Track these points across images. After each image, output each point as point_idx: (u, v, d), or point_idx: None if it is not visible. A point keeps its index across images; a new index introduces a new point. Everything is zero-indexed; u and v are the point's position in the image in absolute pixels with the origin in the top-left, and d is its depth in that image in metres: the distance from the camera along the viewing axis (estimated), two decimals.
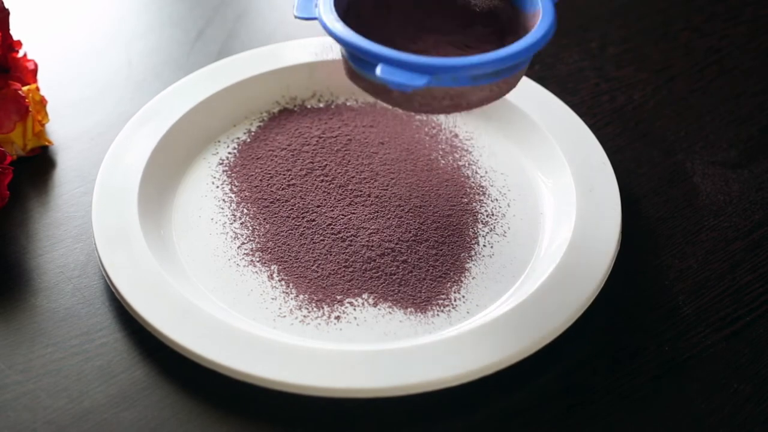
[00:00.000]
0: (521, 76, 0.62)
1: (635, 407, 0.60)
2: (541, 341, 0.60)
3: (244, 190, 0.70)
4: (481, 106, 0.61)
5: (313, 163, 0.71)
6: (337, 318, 0.63)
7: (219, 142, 0.74)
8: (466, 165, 0.72)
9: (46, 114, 0.73)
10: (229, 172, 0.71)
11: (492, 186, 0.71)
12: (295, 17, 0.61)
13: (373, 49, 0.57)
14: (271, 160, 0.72)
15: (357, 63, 0.59)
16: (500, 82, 0.60)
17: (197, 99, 0.74)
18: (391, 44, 0.59)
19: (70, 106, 0.77)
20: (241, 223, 0.68)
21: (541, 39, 0.59)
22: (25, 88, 0.71)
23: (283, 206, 0.69)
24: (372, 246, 0.66)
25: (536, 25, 0.59)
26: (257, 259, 0.66)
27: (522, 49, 0.58)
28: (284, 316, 0.63)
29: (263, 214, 0.68)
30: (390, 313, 0.63)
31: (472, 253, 0.66)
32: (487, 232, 0.68)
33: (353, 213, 0.68)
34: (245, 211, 0.69)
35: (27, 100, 0.71)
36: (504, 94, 0.61)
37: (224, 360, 0.59)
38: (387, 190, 0.69)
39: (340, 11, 0.60)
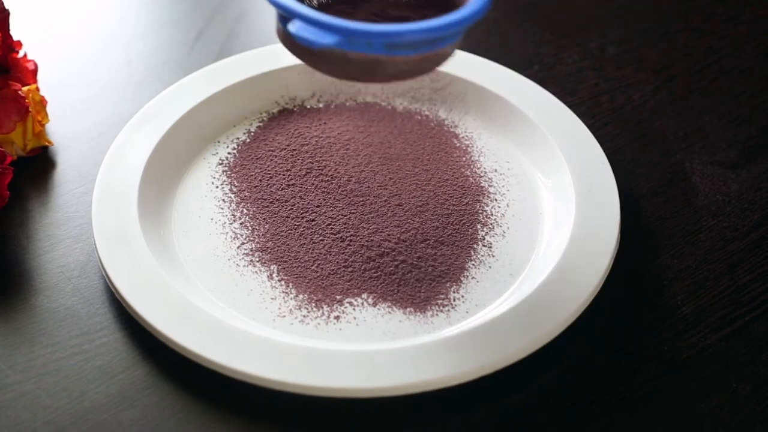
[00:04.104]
0: (446, 56, 0.60)
1: (635, 407, 0.60)
2: (540, 341, 0.60)
3: (243, 190, 0.70)
4: (399, 80, 0.60)
5: (312, 163, 0.71)
6: (337, 318, 0.63)
7: (219, 142, 0.74)
8: (466, 165, 0.72)
9: (46, 114, 0.73)
10: (229, 173, 0.71)
11: (491, 186, 0.71)
12: None
13: (290, 6, 0.57)
14: (271, 160, 0.72)
15: (281, 21, 0.59)
16: (417, 57, 0.59)
17: (197, 99, 0.74)
18: (329, 11, 0.59)
19: (70, 106, 0.77)
20: (240, 223, 0.68)
21: (460, 20, 0.57)
22: (25, 89, 0.71)
23: (282, 206, 0.69)
24: (371, 246, 0.66)
25: (462, 6, 0.58)
26: (257, 259, 0.66)
27: (437, 25, 0.57)
28: (284, 316, 0.63)
29: (263, 214, 0.68)
30: (389, 312, 0.63)
31: (472, 253, 0.66)
32: (487, 232, 0.68)
33: (353, 213, 0.68)
34: (245, 211, 0.69)
35: (27, 101, 0.71)
36: (424, 72, 0.60)
37: (224, 360, 0.59)
38: (386, 190, 0.70)
39: None
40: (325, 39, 0.56)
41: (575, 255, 0.64)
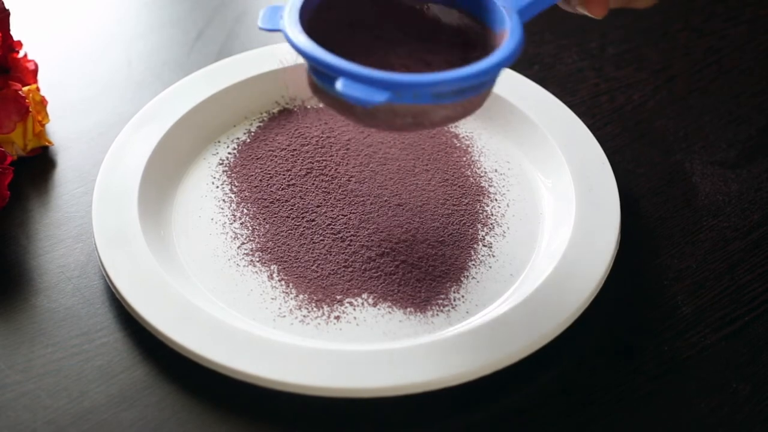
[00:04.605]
0: (486, 96, 0.59)
1: (635, 407, 0.60)
2: (540, 341, 0.60)
3: (244, 190, 0.70)
4: (443, 125, 0.59)
5: (312, 163, 0.71)
6: (337, 318, 0.63)
7: (219, 142, 0.74)
8: (466, 165, 0.72)
9: (46, 114, 0.73)
10: (229, 172, 0.71)
11: (491, 186, 0.71)
12: (260, 28, 0.59)
13: (334, 63, 0.55)
14: (271, 160, 0.72)
15: (319, 77, 0.57)
16: (464, 101, 0.57)
17: (197, 99, 0.74)
18: (353, 58, 0.57)
19: (70, 106, 0.77)
20: (241, 223, 0.68)
21: (506, 58, 0.56)
22: (25, 89, 0.71)
23: (282, 206, 0.69)
24: (371, 246, 0.66)
25: (502, 45, 0.57)
26: (257, 259, 0.66)
27: (486, 68, 0.56)
28: (284, 316, 0.63)
29: (263, 214, 0.68)
30: (390, 313, 0.63)
31: (472, 253, 0.66)
32: (487, 232, 0.68)
33: (353, 213, 0.68)
34: (245, 211, 0.69)
35: (27, 101, 0.71)
36: (468, 114, 0.59)
37: (224, 360, 0.59)
38: (386, 190, 0.70)
39: (304, 24, 0.58)
40: (376, 96, 0.54)
41: (575, 255, 0.64)
